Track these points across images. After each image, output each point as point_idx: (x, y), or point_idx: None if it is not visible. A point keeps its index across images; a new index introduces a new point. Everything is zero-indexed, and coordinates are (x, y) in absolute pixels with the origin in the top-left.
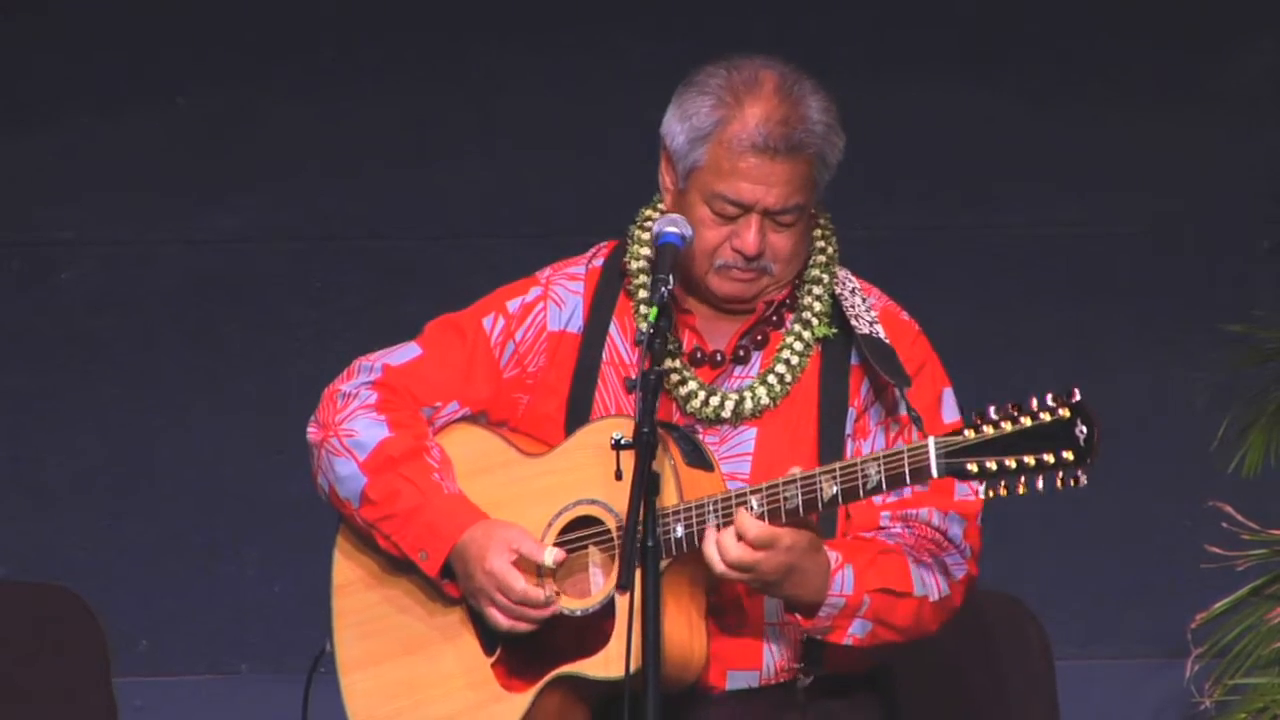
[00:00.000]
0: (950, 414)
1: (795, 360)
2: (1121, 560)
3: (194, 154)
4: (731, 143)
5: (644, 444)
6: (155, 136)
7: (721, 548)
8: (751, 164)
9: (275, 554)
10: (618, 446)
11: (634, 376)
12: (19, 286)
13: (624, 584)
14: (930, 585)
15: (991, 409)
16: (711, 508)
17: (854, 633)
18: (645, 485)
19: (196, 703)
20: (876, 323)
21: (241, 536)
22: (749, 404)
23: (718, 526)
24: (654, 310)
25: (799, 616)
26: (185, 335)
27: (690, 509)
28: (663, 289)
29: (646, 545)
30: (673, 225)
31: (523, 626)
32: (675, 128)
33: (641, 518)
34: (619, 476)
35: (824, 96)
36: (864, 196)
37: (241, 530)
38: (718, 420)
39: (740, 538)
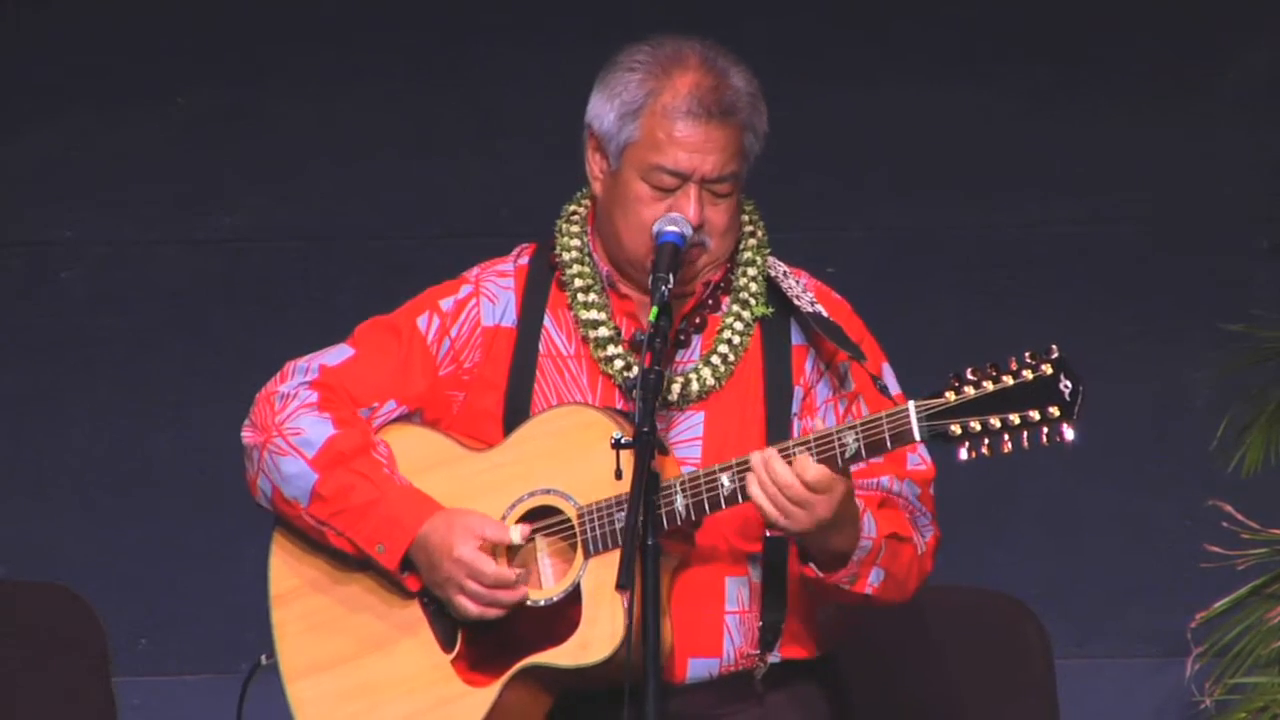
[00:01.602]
0: (894, 386)
1: (736, 340)
2: (1121, 559)
3: (194, 154)
4: (665, 112)
5: (644, 443)
6: (155, 136)
7: (775, 475)
8: (687, 131)
9: None
10: (617, 446)
11: (574, 366)
12: (19, 286)
13: (624, 583)
14: (916, 538)
15: (968, 370)
16: (679, 487)
17: (872, 582)
18: (645, 484)
19: (196, 702)
20: (816, 302)
21: (241, 536)
22: (695, 385)
23: (686, 506)
24: (655, 310)
25: (818, 570)
26: (185, 335)
27: (658, 490)
28: (663, 288)
29: (647, 544)
30: (673, 224)
31: (493, 612)
32: (603, 108)
33: (641, 516)
34: (619, 475)
35: (746, 68)
36: (864, 196)
37: (241, 530)
38: (664, 404)
39: (799, 477)
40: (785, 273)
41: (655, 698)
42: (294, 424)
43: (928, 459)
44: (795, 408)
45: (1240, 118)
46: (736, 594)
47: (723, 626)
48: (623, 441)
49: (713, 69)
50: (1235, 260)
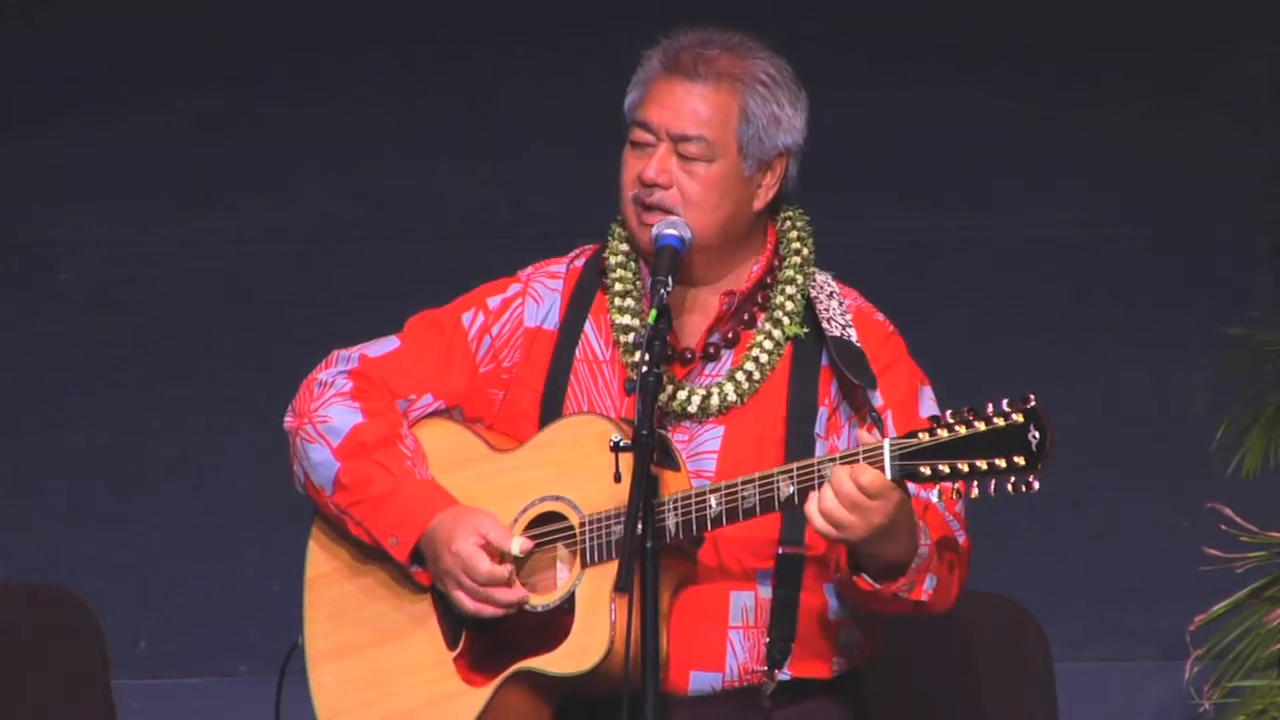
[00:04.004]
0: (928, 409)
1: (765, 358)
2: (1120, 562)
3: (193, 155)
4: (653, 70)
5: (643, 447)
6: (154, 138)
7: (836, 480)
8: (662, 86)
9: (274, 555)
10: (616, 449)
11: (609, 372)
12: (18, 287)
13: (622, 586)
14: (959, 541)
15: (947, 413)
16: (671, 505)
17: (927, 588)
18: (644, 488)
19: (195, 705)
20: (850, 326)
21: (240, 538)
22: (715, 400)
23: (677, 525)
24: (654, 313)
25: (872, 582)
26: (183, 336)
27: (658, 494)
28: (662, 291)
29: (645, 547)
30: (672, 228)
31: (488, 610)
32: (629, 88)
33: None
34: (618, 479)
35: (778, 65)
36: (863, 199)
37: (240, 532)
38: (684, 415)
39: (856, 483)
40: (832, 293)
41: (654, 706)
42: (324, 412)
43: (934, 495)
44: (819, 428)
45: (1239, 121)
46: (741, 610)
47: (725, 641)
48: (621, 444)
49: (723, 44)
50: (1234, 263)
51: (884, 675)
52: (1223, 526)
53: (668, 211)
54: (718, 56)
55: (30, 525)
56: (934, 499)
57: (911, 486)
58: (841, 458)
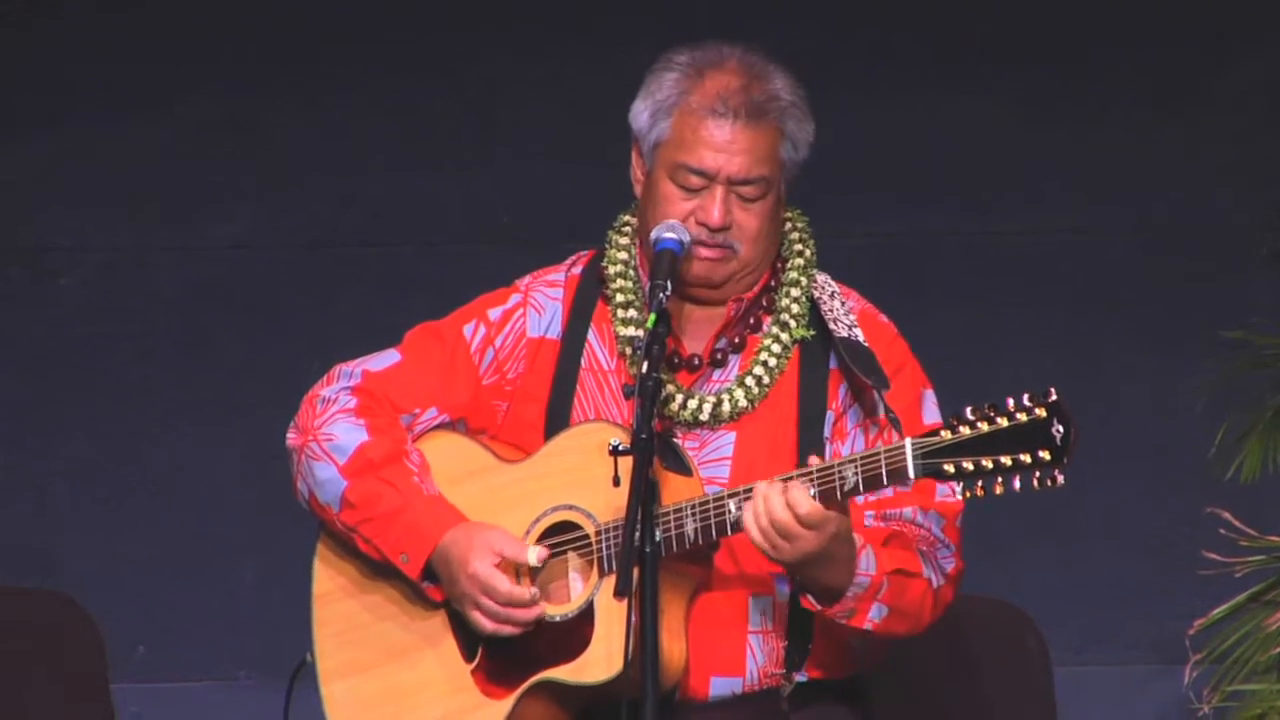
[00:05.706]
0: (931, 414)
1: (773, 362)
2: (1120, 566)
3: (192, 162)
4: (694, 110)
5: (642, 450)
6: (154, 144)
7: (770, 505)
8: (713, 130)
9: (273, 561)
10: (615, 453)
11: (614, 381)
12: (17, 293)
13: (621, 590)
14: (930, 571)
15: (968, 410)
16: (689, 511)
17: (872, 617)
18: (643, 492)
19: (194, 709)
20: (855, 326)
21: (240, 543)
22: (726, 406)
23: (696, 530)
24: (653, 317)
25: (815, 603)
26: (183, 342)
27: (668, 513)
28: (661, 295)
29: (645, 552)
30: (670, 231)
31: (508, 630)
32: (640, 107)
33: (639, 524)
34: (616, 483)
35: (792, 78)
36: (862, 203)
37: (240, 537)
38: (696, 423)
39: (791, 510)
40: (834, 293)
41: (653, 709)
42: (329, 429)
43: (956, 492)
44: (827, 431)
45: (1239, 125)
46: (760, 614)
47: (745, 646)
48: (620, 448)
49: (748, 71)
50: (1233, 267)
51: (885, 679)
52: (1222, 531)
53: (731, 249)
54: (757, 89)
55: (30, 531)
56: (931, 521)
57: (869, 518)
58: (863, 458)
